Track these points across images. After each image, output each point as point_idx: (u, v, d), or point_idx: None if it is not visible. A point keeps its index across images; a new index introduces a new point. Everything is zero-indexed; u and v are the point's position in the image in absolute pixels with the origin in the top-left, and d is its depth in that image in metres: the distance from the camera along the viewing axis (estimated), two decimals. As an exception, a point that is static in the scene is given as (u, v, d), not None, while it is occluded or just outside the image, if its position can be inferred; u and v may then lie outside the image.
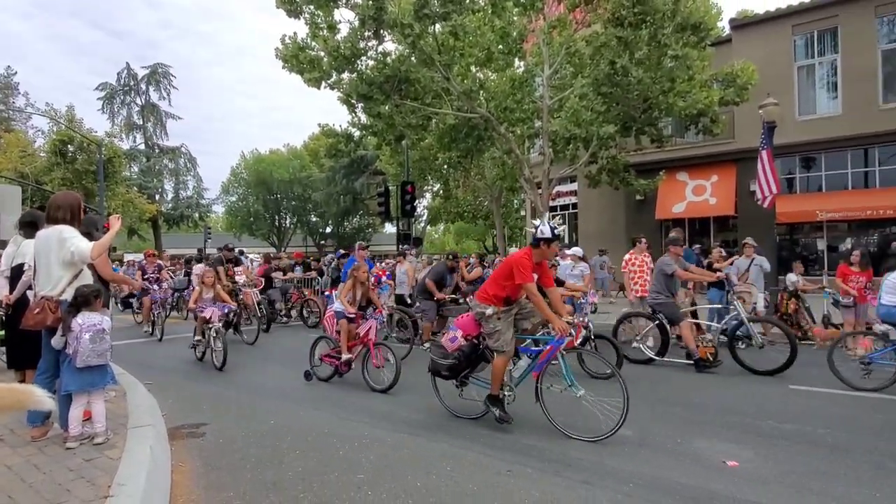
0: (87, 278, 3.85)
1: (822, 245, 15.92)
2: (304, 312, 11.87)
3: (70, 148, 25.01)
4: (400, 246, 15.13)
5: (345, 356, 6.10)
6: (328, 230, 41.62)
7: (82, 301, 3.64)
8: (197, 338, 7.74)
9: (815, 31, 15.76)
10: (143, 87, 38.09)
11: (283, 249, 38.71)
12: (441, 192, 28.19)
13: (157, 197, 36.65)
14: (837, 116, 15.30)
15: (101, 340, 3.65)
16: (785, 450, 3.98)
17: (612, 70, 11.75)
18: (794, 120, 15.60)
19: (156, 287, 10.54)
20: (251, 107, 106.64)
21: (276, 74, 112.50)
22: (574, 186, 19.99)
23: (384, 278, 9.12)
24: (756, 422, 4.63)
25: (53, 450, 3.57)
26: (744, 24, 16.87)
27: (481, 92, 13.75)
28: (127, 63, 38.21)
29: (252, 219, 41.01)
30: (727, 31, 17.69)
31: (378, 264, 12.56)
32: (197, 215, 39.02)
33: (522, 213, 28.40)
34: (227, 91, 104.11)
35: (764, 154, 10.88)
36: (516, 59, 14.46)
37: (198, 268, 12.44)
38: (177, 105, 50.01)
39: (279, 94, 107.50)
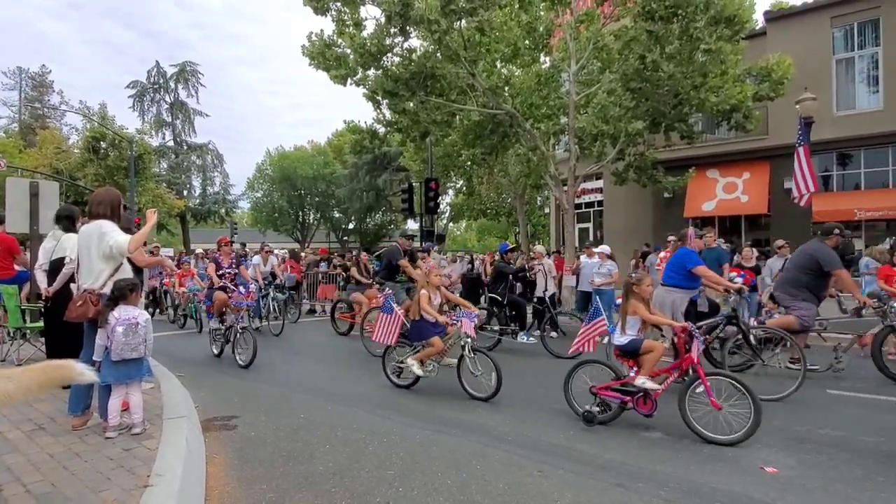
0: (127, 272, 3.93)
1: (859, 245, 15.36)
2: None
3: (102, 145, 25.69)
4: (423, 243, 15.13)
5: (648, 383, 4.34)
6: (351, 226, 41.88)
7: (119, 294, 3.72)
8: (405, 361, 5.64)
9: (856, 23, 15.20)
10: (172, 85, 38.88)
11: (306, 245, 39.16)
12: (464, 188, 28.11)
13: (185, 193, 37.41)
14: (878, 111, 14.74)
15: (135, 334, 3.71)
16: (829, 457, 3.82)
17: (641, 65, 11.49)
18: (832, 115, 15.08)
19: (242, 290, 7.37)
20: (278, 105, 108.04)
21: (302, 73, 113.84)
22: (600, 184, 19.71)
23: (755, 280, 6.21)
24: (796, 427, 4.47)
25: (93, 439, 3.66)
26: (779, 16, 16.38)
27: (506, 88, 13.62)
28: (157, 61, 39.27)
29: (276, 214, 41.55)
30: (760, 23, 17.18)
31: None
32: (223, 211, 39.68)
33: (546, 210, 28.18)
34: (254, 90, 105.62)
35: (801, 151, 10.56)
36: (542, 55, 14.27)
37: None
38: (207, 104, 50.93)
39: (305, 91, 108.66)
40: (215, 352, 7.71)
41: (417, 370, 5.50)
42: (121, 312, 3.70)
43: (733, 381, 4.14)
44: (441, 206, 31.07)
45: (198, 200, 38.84)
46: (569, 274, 11.78)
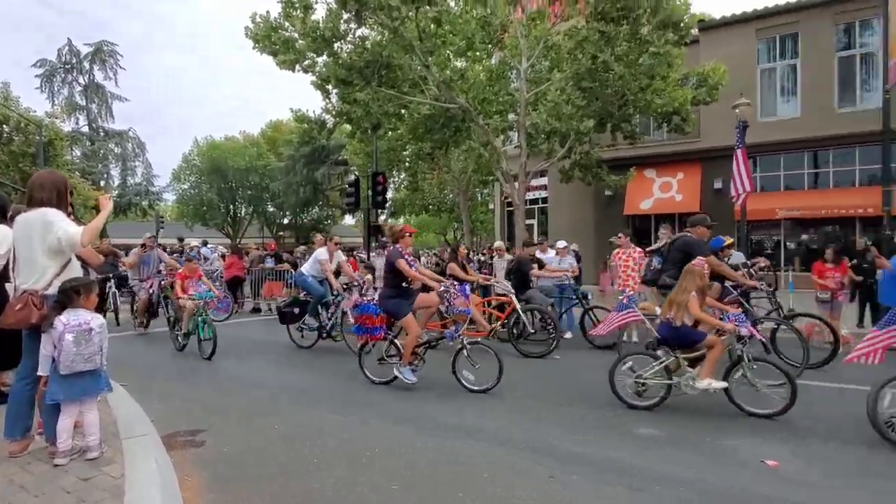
0: (76, 269, 3.37)
1: (779, 241, 16.66)
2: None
3: (6, 128, 22.99)
4: (379, 237, 14.74)
5: (704, 384, 4.48)
6: (286, 221, 40.31)
7: (65, 297, 3.17)
8: (696, 384, 4.65)
9: (777, 36, 16.38)
10: (87, 65, 35.53)
11: (238, 240, 37.23)
12: (407, 184, 27.84)
13: (103, 183, 34.37)
14: (796, 119, 15.97)
15: (88, 342, 3.18)
16: (822, 448, 3.92)
17: (593, 65, 11.75)
18: (757, 121, 16.16)
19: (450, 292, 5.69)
20: (208, 93, 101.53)
21: (233, 60, 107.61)
22: (544, 181, 20.08)
23: None
24: (788, 419, 4.48)
25: (39, 467, 3.10)
26: (711, 25, 17.33)
27: (459, 82, 13.50)
28: (69, 39, 35.70)
29: (205, 208, 39.13)
30: (694, 31, 18.15)
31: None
32: (146, 203, 36.84)
33: (491, 206, 28.44)
34: (182, 75, 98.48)
35: (739, 153, 11.18)
36: (494, 50, 14.28)
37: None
38: (129, 87, 47.03)
39: (236, 80, 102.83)
40: (376, 379, 5.79)
41: (718, 384, 4.58)
42: (69, 317, 3.15)
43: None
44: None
45: (117, 192, 35.80)
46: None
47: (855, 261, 9.10)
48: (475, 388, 5.42)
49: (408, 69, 12.29)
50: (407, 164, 23.91)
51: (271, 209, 40.21)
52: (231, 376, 6.27)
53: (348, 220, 49.81)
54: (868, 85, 15.00)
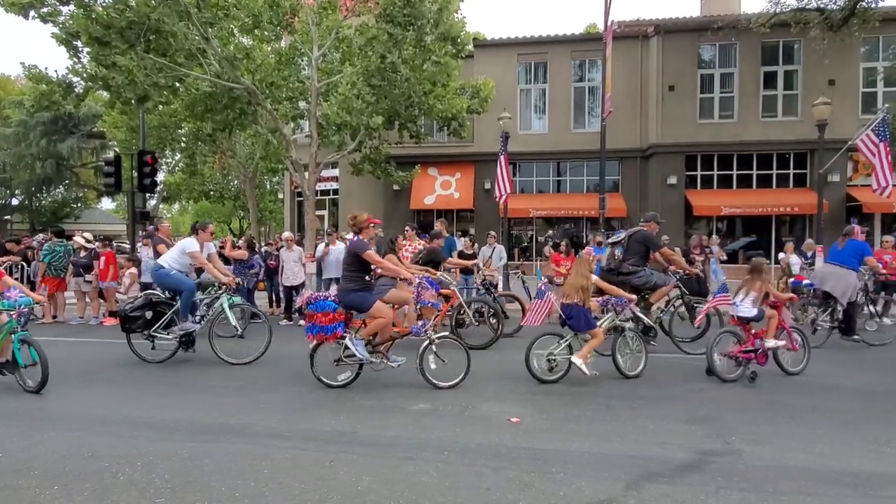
0: None
1: (532, 235, 19.90)
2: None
3: None
4: (147, 225, 13.04)
5: (778, 343, 5.75)
6: (14, 202, 32.38)
7: None
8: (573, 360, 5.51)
9: (533, 62, 19.46)
10: None
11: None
12: (184, 166, 25.00)
13: None
14: (545, 134, 19.26)
15: None
16: (557, 404, 4.88)
17: (382, 64, 12.37)
18: (517, 133, 18.99)
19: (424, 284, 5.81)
20: None
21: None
22: (336, 172, 20.27)
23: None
24: (526, 384, 5.43)
25: None
26: (483, 44, 19.67)
27: (245, 61, 12.76)
28: None
29: None
30: (469, 47, 20.34)
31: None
32: None
33: (280, 195, 27.40)
34: None
35: (501, 159, 13.06)
36: (284, 33, 13.88)
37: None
38: None
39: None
40: (332, 382, 5.40)
41: (585, 367, 5.39)
42: None
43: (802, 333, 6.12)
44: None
45: None
46: (309, 261, 11.90)
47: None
48: (443, 384, 5.33)
49: (183, 38, 11.16)
50: (183, 144, 21.47)
51: (-10, 187, 31.82)
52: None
53: (107, 203, 42.41)
54: (594, 112, 18.90)
